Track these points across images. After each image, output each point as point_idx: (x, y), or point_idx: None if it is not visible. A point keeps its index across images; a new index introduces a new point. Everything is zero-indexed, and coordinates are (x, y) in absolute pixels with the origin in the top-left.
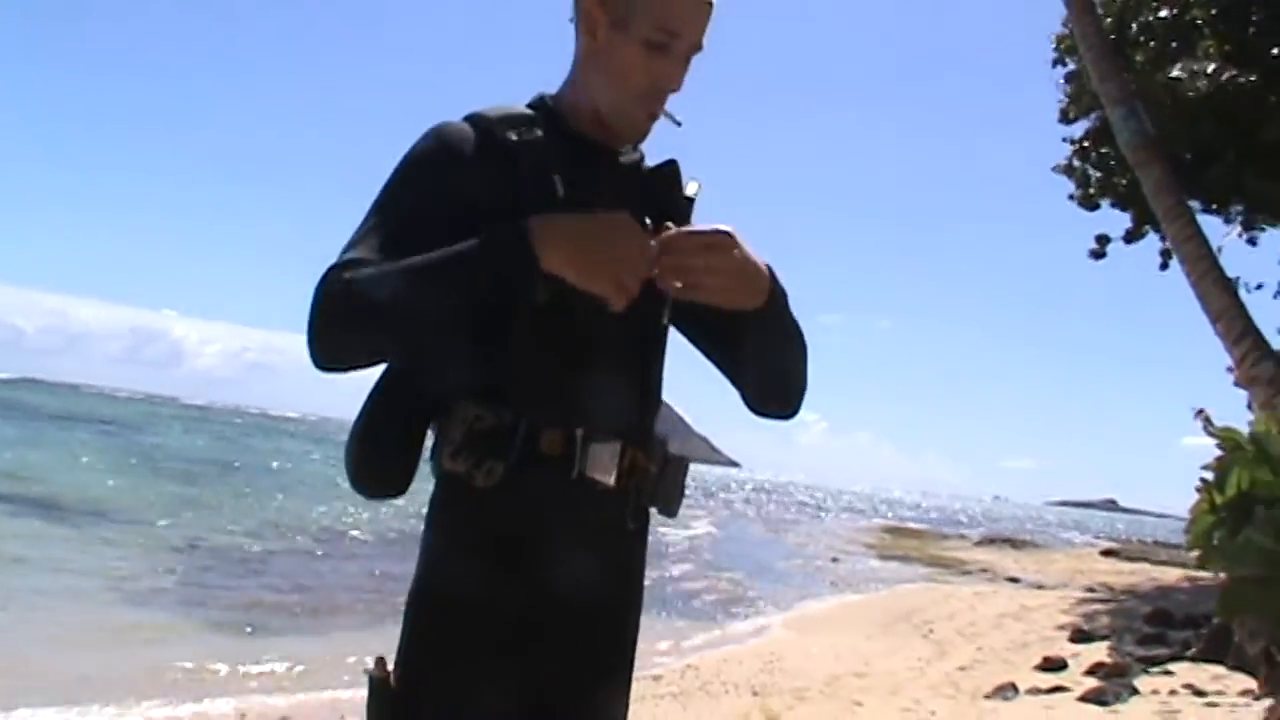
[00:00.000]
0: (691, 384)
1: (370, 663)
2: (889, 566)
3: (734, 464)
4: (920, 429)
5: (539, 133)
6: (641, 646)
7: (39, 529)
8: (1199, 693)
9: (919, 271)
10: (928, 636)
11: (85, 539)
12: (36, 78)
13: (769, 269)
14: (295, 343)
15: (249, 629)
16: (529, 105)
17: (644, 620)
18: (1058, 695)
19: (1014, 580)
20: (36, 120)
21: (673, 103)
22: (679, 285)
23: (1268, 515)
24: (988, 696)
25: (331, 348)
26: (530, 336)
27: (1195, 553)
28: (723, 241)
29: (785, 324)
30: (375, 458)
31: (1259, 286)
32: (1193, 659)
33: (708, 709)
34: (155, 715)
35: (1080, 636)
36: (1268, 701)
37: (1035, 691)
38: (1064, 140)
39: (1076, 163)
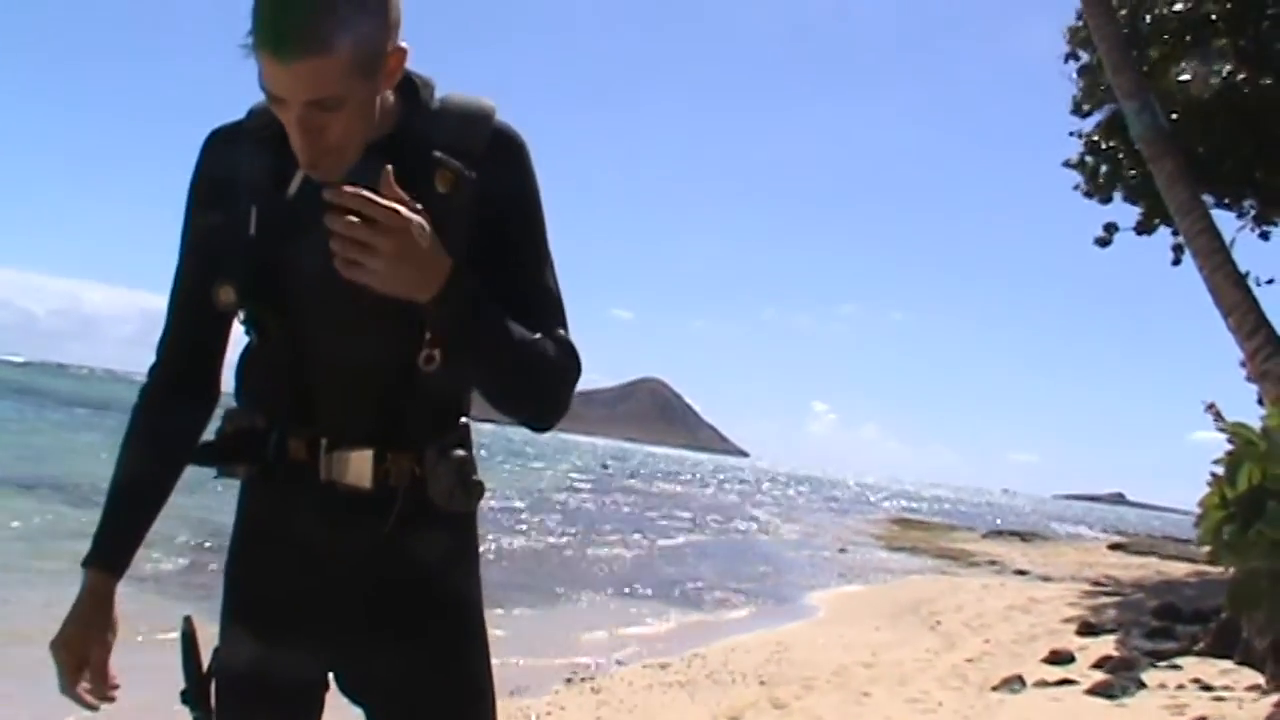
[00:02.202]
0: (703, 376)
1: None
2: (897, 558)
3: (743, 453)
4: (928, 421)
5: (261, 143)
6: (647, 633)
7: (54, 511)
8: (1206, 687)
9: (933, 264)
10: (935, 628)
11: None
12: (40, 63)
13: (455, 271)
14: None
15: None
16: None
17: (649, 607)
18: (1065, 688)
19: (1022, 573)
20: (41, 107)
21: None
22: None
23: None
24: (995, 688)
25: None
26: (275, 354)
27: (1205, 547)
28: (390, 218)
29: (466, 336)
30: None
31: (1270, 281)
32: (1200, 654)
33: (714, 698)
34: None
35: (1087, 630)
36: (1275, 696)
37: (1042, 684)
38: (1071, 134)
39: (1089, 158)
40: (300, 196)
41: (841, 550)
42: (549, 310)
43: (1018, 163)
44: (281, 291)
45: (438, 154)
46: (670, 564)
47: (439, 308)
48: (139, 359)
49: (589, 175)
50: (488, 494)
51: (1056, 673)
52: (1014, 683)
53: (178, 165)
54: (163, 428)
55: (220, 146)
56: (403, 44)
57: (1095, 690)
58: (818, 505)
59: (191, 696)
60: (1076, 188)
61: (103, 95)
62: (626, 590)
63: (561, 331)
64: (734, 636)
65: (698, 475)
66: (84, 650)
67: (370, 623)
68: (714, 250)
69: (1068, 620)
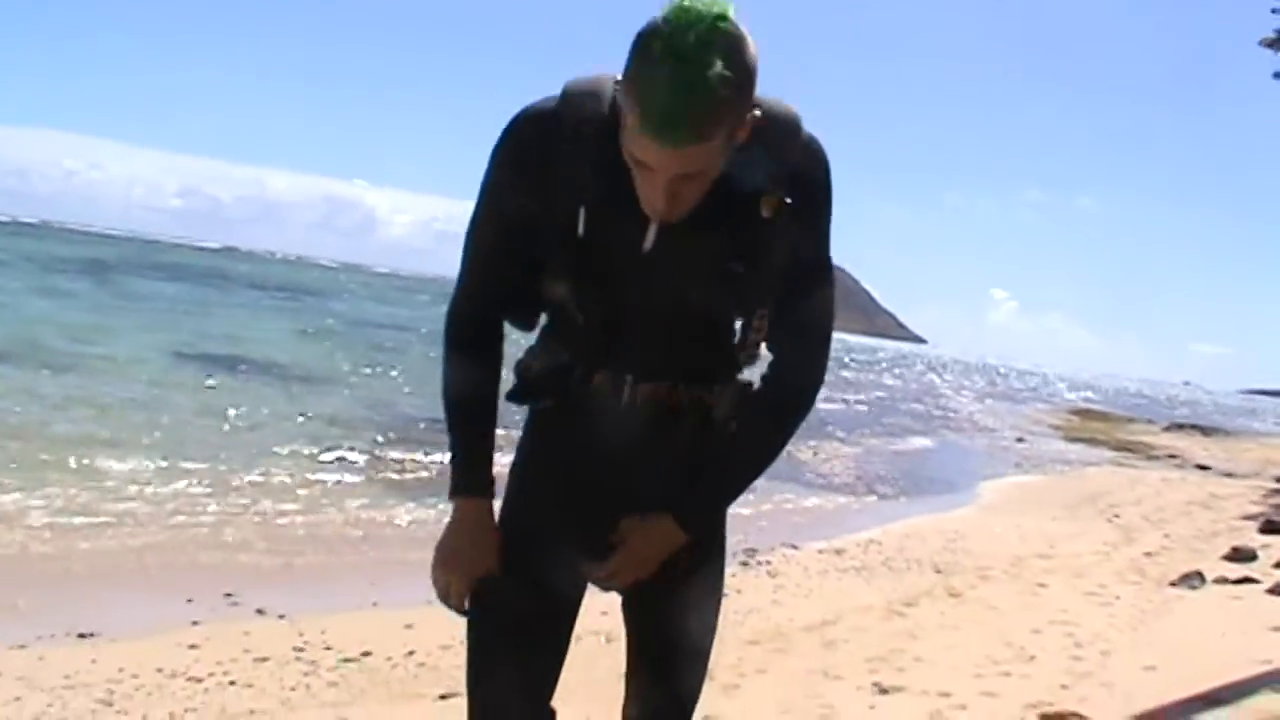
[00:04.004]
0: (881, 262)
1: None
2: (1075, 449)
3: (920, 340)
4: (1112, 311)
5: (582, 140)
6: (823, 520)
7: (245, 389)
8: None
9: (1121, 149)
10: (1113, 521)
11: (286, 398)
12: None
13: (685, 527)
14: None
15: (431, 498)
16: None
17: (828, 496)
18: (1246, 586)
19: (1203, 468)
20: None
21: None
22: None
23: None
24: (1173, 584)
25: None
26: (591, 320)
27: None
28: (644, 568)
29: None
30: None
31: None
32: None
33: (890, 584)
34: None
35: (1270, 528)
36: None
37: (1223, 581)
38: (1273, 11)
39: None
40: (625, 201)
41: (1019, 440)
42: (819, 276)
43: (1214, 42)
44: (604, 284)
45: (764, 185)
46: (845, 451)
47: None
48: (322, 244)
49: (771, 57)
50: None
51: (1237, 570)
52: (1193, 579)
53: (360, 48)
54: (480, 358)
55: (536, 130)
56: (756, 110)
57: (1278, 589)
58: (996, 393)
59: None
60: (1277, 75)
61: None
62: (803, 476)
63: (821, 293)
64: (909, 522)
65: (874, 362)
66: (477, 569)
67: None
68: (896, 134)
69: (1250, 517)
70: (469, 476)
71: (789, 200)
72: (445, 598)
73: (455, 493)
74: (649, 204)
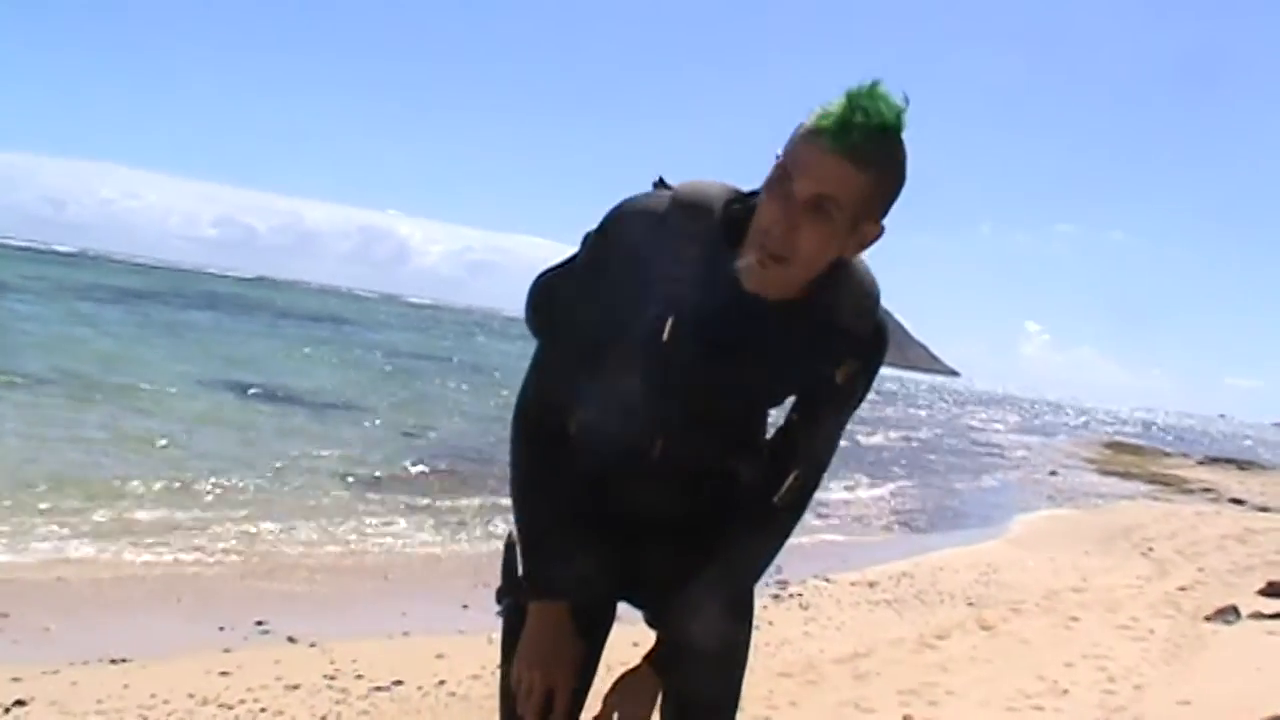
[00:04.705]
0: (914, 292)
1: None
2: (1108, 482)
3: (953, 372)
4: (1144, 344)
5: (688, 256)
6: (856, 553)
7: (279, 417)
8: None
9: (1155, 183)
10: (1147, 555)
11: (320, 427)
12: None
13: None
14: (516, 243)
15: (464, 529)
16: (737, 197)
17: (861, 528)
18: None
19: (1238, 502)
20: (268, 33)
21: None
22: None
23: None
24: (1208, 618)
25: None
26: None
27: None
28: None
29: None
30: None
31: None
32: None
33: (922, 617)
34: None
35: None
36: None
37: (1258, 616)
38: None
39: None
40: (716, 325)
41: (1052, 473)
42: (818, 456)
43: (1244, 77)
44: (669, 385)
45: (846, 353)
46: (880, 485)
47: None
48: (356, 274)
49: (804, 85)
50: None
51: (1273, 605)
52: (1228, 613)
53: (396, 84)
54: (559, 453)
55: (642, 228)
56: (884, 223)
57: None
58: (1029, 427)
59: (503, 592)
60: None
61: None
62: (837, 510)
63: (807, 475)
64: (942, 555)
65: (910, 395)
66: (567, 676)
67: (675, 544)
68: (931, 165)
69: None
70: (559, 579)
71: (861, 373)
72: (525, 697)
73: (540, 595)
74: (758, 236)
